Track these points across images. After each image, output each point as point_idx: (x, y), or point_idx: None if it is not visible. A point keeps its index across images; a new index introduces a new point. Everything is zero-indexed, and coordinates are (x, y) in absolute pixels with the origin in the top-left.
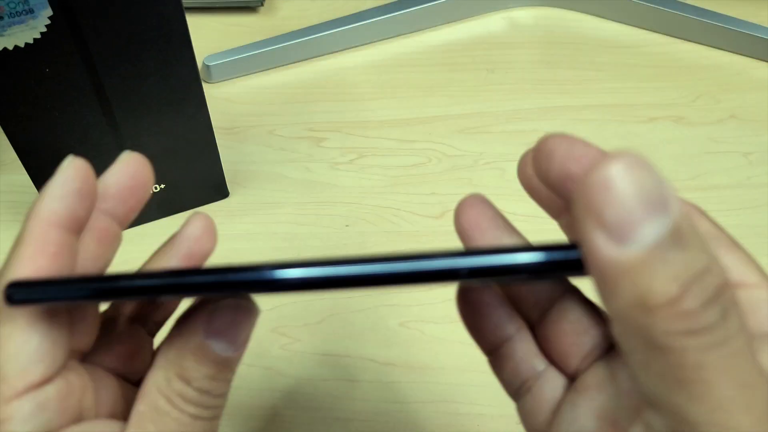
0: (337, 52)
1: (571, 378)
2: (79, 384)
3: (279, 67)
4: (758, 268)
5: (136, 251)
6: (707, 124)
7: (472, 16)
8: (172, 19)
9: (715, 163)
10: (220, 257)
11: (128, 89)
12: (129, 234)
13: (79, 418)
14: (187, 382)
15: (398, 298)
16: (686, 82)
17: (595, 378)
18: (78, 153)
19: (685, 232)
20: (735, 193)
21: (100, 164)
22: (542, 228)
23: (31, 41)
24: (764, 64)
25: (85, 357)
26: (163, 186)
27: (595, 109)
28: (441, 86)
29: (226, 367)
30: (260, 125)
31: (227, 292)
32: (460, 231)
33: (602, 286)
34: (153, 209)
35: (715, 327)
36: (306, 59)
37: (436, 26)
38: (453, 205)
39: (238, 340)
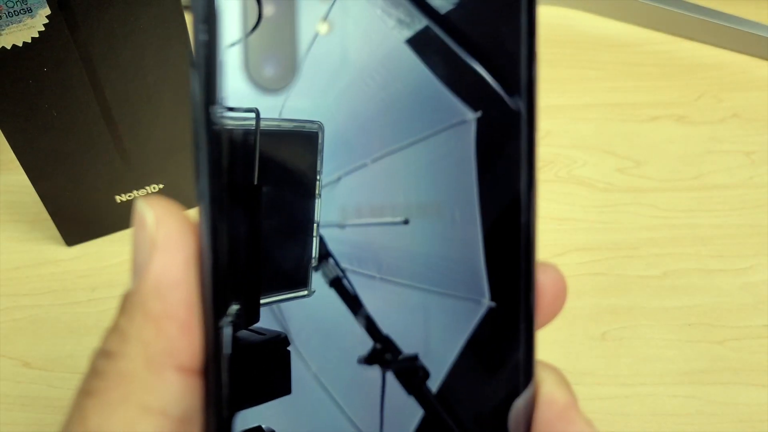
0: None
1: None
2: None
3: None
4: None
5: None
6: (709, 124)
7: None
8: (171, 17)
9: (717, 162)
10: None
11: (127, 88)
12: (127, 232)
13: None
14: None
15: None
16: (688, 81)
17: None
18: (76, 152)
19: None
20: (737, 193)
21: (98, 163)
22: (546, 228)
23: (29, 40)
24: (767, 63)
25: None
26: (162, 185)
27: (596, 108)
28: None
29: None
30: None
31: None
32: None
33: None
34: None
35: None
36: None
37: None
38: None
39: None
